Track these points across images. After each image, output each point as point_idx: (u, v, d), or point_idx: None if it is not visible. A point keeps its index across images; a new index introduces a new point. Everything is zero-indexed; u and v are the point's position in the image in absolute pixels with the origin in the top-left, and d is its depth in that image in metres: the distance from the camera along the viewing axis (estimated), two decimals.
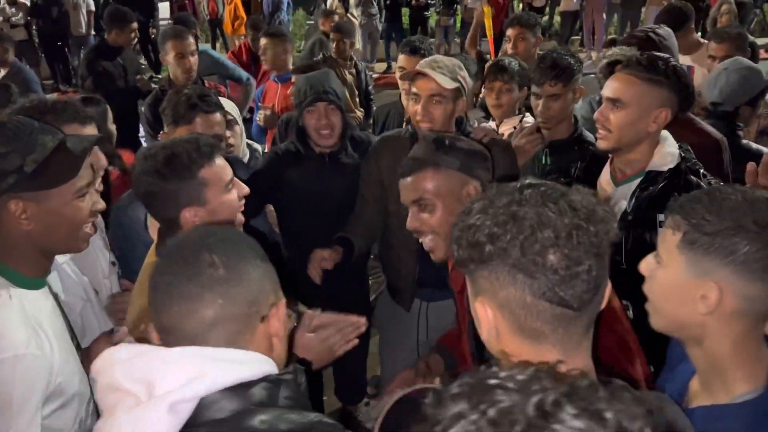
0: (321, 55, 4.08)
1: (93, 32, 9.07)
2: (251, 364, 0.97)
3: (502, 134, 2.80)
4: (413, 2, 10.71)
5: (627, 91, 1.84)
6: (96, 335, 1.69)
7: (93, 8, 9.25)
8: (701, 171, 1.84)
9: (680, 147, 1.89)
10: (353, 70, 4.47)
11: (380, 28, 10.53)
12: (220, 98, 2.46)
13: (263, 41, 4.14)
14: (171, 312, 0.97)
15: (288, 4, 10.42)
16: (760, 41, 4.61)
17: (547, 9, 12.06)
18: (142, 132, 4.36)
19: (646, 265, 1.17)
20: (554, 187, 0.96)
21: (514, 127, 2.80)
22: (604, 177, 2.02)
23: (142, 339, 1.26)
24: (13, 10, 8.80)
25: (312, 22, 11.42)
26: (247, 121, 3.84)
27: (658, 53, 1.98)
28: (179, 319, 0.97)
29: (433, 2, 10.87)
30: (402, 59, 3.33)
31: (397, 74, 3.30)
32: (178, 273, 0.98)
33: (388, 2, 10.58)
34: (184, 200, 1.54)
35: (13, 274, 1.35)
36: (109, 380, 0.96)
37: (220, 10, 10.66)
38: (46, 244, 1.38)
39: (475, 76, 3.30)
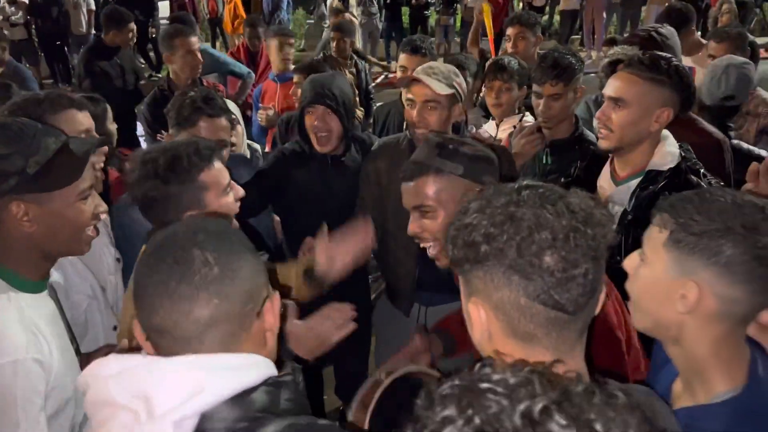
0: (321, 54, 4.08)
1: (93, 31, 9.05)
2: (250, 370, 0.94)
3: (500, 139, 2.81)
4: (413, 1, 10.70)
5: (629, 90, 1.83)
6: (100, 332, 1.69)
7: (93, 7, 9.24)
8: (701, 171, 1.84)
9: (680, 146, 1.89)
10: (353, 69, 4.47)
11: (380, 27, 10.52)
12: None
13: (272, 41, 4.11)
14: (163, 313, 0.93)
15: (288, 3, 10.42)
16: (759, 40, 4.61)
17: (547, 8, 12.06)
18: (140, 131, 4.38)
19: (629, 262, 1.18)
20: (552, 188, 0.95)
21: (514, 127, 2.80)
22: (604, 176, 2.02)
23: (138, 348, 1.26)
24: (13, 9, 8.78)
25: (312, 21, 11.43)
26: (246, 121, 3.84)
27: (660, 53, 1.97)
28: (172, 321, 0.93)
29: (433, 1, 10.86)
30: (403, 58, 3.33)
31: (398, 74, 3.30)
32: (169, 272, 0.94)
33: (388, 1, 10.58)
34: (185, 204, 1.53)
35: (13, 277, 1.35)
36: (101, 395, 0.92)
37: (219, 9, 10.65)
38: (47, 247, 1.38)
39: (476, 75, 3.30)
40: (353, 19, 8.30)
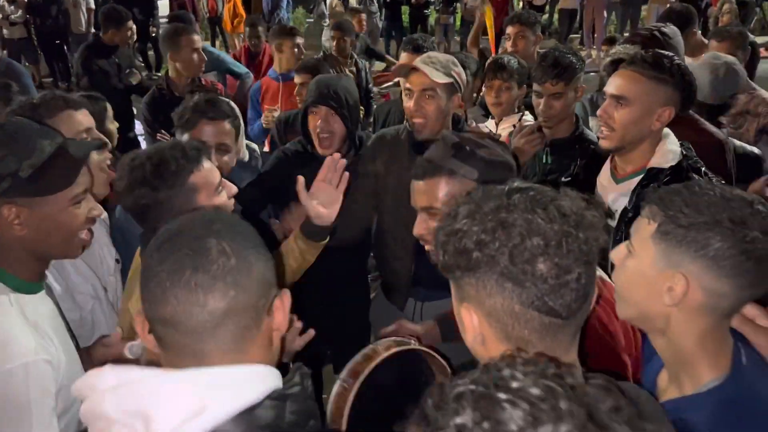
0: (322, 54, 4.07)
1: (93, 30, 9.04)
2: (254, 384, 0.89)
3: (499, 135, 2.80)
4: (413, 0, 10.70)
5: (632, 88, 1.83)
6: (105, 333, 1.68)
7: (93, 6, 9.23)
8: (703, 169, 1.84)
9: (681, 145, 1.89)
10: (353, 68, 4.47)
11: (380, 26, 10.51)
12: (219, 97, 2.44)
13: (286, 40, 4.07)
14: (175, 303, 0.88)
15: (287, 1, 10.40)
16: (759, 40, 4.61)
17: (547, 7, 12.05)
18: (138, 130, 4.37)
19: (616, 253, 1.18)
20: (543, 191, 0.94)
21: (514, 126, 2.80)
22: (604, 174, 2.02)
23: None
24: (12, 7, 8.77)
25: (311, 19, 11.42)
26: (243, 120, 3.84)
27: (662, 51, 1.97)
28: (184, 312, 0.88)
29: (433, 0, 10.86)
30: (404, 57, 3.33)
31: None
32: (184, 261, 0.89)
33: (388, 0, 10.57)
34: (177, 208, 1.49)
35: (11, 279, 1.34)
36: (97, 408, 0.88)
37: (219, 8, 10.64)
38: (39, 250, 1.37)
39: (476, 74, 3.30)
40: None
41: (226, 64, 4.67)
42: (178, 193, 1.50)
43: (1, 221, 1.29)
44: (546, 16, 11.94)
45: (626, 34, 9.47)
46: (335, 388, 1.30)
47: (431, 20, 11.21)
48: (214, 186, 1.57)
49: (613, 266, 1.21)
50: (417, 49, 3.26)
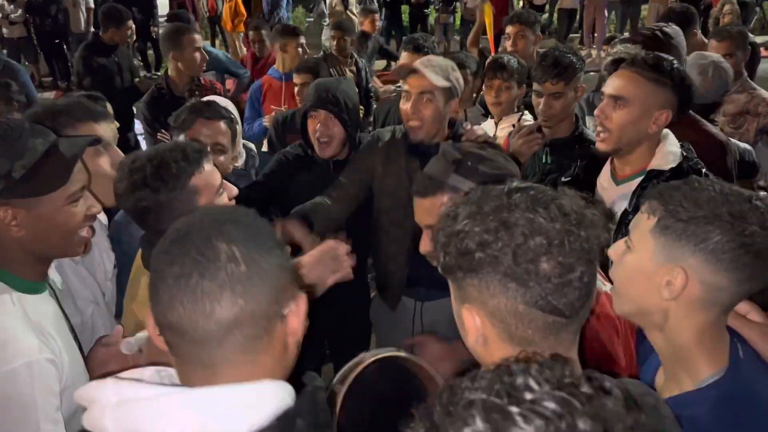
0: (322, 53, 4.07)
1: (92, 29, 9.04)
2: (262, 405, 0.84)
3: (495, 137, 2.80)
4: (413, 0, 10.69)
5: (630, 88, 1.82)
6: None
7: (92, 5, 9.22)
8: (703, 171, 1.83)
9: (682, 146, 1.88)
10: (353, 68, 4.47)
11: (380, 25, 10.51)
12: (217, 97, 2.44)
13: (284, 40, 4.07)
14: (182, 310, 0.84)
15: (288, 1, 10.39)
16: (759, 39, 4.61)
17: (547, 6, 12.05)
18: (138, 130, 4.37)
19: (615, 249, 1.19)
20: (543, 190, 0.94)
21: (513, 125, 2.79)
22: (604, 175, 2.01)
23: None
24: (12, 7, 8.77)
25: (311, 19, 11.41)
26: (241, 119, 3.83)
27: (662, 54, 1.96)
28: (191, 320, 0.84)
29: (432, 0, 10.85)
30: (405, 57, 3.32)
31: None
32: (191, 265, 0.84)
33: (388, 0, 10.56)
34: (178, 211, 1.48)
35: (13, 279, 1.33)
36: (97, 424, 0.85)
37: (219, 7, 10.63)
38: (38, 250, 1.36)
39: (476, 74, 3.30)
40: (353, 17, 8.30)
41: (225, 64, 4.69)
42: (179, 195, 1.49)
43: None
44: (546, 15, 11.94)
45: (626, 34, 9.47)
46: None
47: (431, 20, 11.21)
48: (215, 188, 1.56)
49: (611, 263, 1.21)
50: (417, 49, 3.25)
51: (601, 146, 1.90)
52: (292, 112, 3.46)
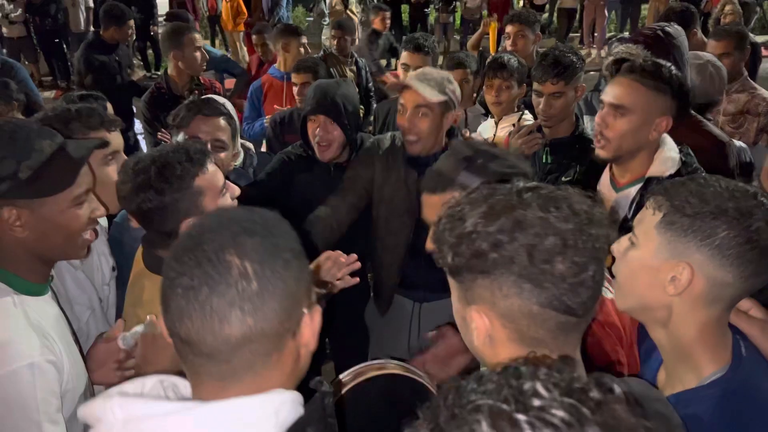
0: (322, 53, 4.06)
1: (92, 29, 9.03)
2: (275, 418, 0.84)
3: (495, 136, 2.80)
4: (413, 0, 10.69)
5: (631, 97, 1.80)
6: None
7: (92, 5, 9.22)
8: (703, 175, 1.82)
9: (681, 151, 1.87)
10: (354, 67, 4.47)
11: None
12: (216, 96, 2.43)
13: (286, 40, 4.07)
14: (190, 324, 0.82)
15: (287, 0, 10.39)
16: (760, 39, 4.61)
17: (547, 6, 12.05)
18: (138, 129, 4.37)
19: (618, 245, 1.18)
20: (553, 189, 0.93)
21: (513, 125, 2.79)
22: (604, 182, 2.00)
23: None
24: (12, 6, 8.76)
25: (311, 18, 11.41)
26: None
27: (660, 60, 1.95)
28: (199, 335, 0.82)
29: None
30: (405, 56, 3.31)
31: (400, 71, 3.29)
32: (201, 278, 0.82)
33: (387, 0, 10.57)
34: (182, 212, 1.49)
35: (15, 280, 1.33)
36: None
37: (219, 7, 10.62)
38: (42, 252, 1.35)
39: (476, 73, 3.30)
40: (353, 16, 8.30)
41: (224, 63, 4.68)
42: (184, 197, 1.49)
43: (1, 223, 1.28)
44: (546, 15, 11.93)
45: (626, 33, 9.47)
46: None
47: (431, 19, 11.21)
48: (218, 189, 1.56)
49: (614, 259, 1.21)
50: (418, 48, 3.24)
51: (600, 154, 1.89)
52: (289, 111, 3.46)
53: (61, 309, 1.46)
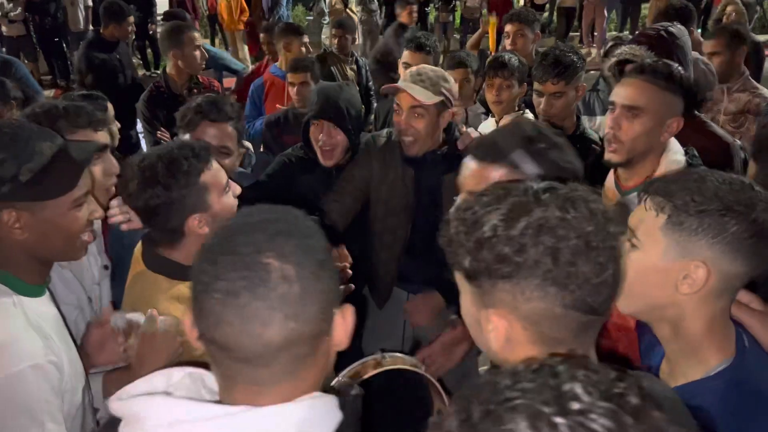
0: (323, 51, 4.06)
1: (91, 27, 9.02)
2: (324, 422, 0.83)
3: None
4: None
5: (644, 98, 1.78)
6: None
7: (91, 4, 9.20)
8: None
9: (686, 153, 1.86)
10: (354, 66, 4.46)
11: (380, 24, 10.50)
12: (223, 96, 2.42)
13: (287, 39, 4.05)
14: (229, 330, 0.80)
15: None
16: (761, 38, 4.60)
17: (548, 5, 12.04)
18: (140, 128, 4.35)
19: None
20: (570, 189, 0.92)
21: None
22: (609, 184, 1.98)
23: None
24: (11, 5, 8.75)
25: (311, 17, 11.40)
26: None
27: (670, 61, 1.93)
28: (238, 341, 0.80)
29: None
30: (407, 55, 3.30)
31: (401, 70, 3.27)
32: (240, 282, 0.79)
33: None
34: (189, 208, 1.50)
35: (14, 281, 1.33)
36: None
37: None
38: (41, 253, 1.36)
39: (476, 73, 3.29)
40: (353, 15, 8.29)
41: (223, 62, 4.68)
42: (190, 192, 1.50)
43: (1, 225, 1.28)
44: (546, 14, 11.93)
45: (626, 32, 9.46)
46: None
47: (431, 18, 11.19)
48: (223, 185, 1.57)
49: None
50: (419, 48, 3.23)
51: (613, 158, 1.85)
52: (284, 112, 3.45)
53: (59, 309, 1.46)
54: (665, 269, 1.09)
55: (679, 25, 2.69)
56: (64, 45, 9.15)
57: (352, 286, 1.69)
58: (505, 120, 2.88)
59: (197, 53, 3.55)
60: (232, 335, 0.80)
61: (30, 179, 1.26)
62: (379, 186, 2.33)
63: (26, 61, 8.79)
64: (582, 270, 0.85)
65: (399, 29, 5.60)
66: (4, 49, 8.37)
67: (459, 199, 1.43)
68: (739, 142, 2.70)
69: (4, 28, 8.79)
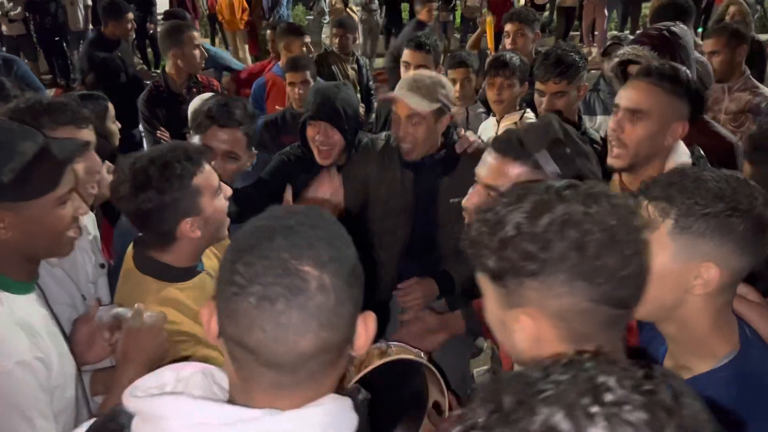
0: (324, 50, 4.05)
1: (91, 26, 9.02)
2: (345, 425, 0.83)
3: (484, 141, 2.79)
4: None
5: (649, 101, 1.75)
6: None
7: (90, 3, 9.20)
8: None
9: (692, 154, 1.84)
10: (354, 65, 4.45)
11: (380, 23, 10.49)
12: (239, 98, 2.40)
13: (289, 39, 4.05)
14: (261, 336, 0.78)
15: None
16: (762, 37, 4.59)
17: (548, 5, 12.03)
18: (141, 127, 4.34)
19: None
20: (590, 186, 0.92)
21: (515, 123, 2.78)
22: (613, 187, 1.96)
23: None
24: (11, 4, 8.74)
25: (311, 17, 11.39)
26: None
27: (676, 63, 1.91)
28: (268, 347, 0.79)
29: None
30: (407, 54, 3.29)
31: (402, 69, 3.27)
32: (276, 289, 0.77)
33: None
34: (182, 211, 1.50)
35: (1, 278, 1.32)
36: None
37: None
38: (27, 251, 1.35)
39: (477, 72, 3.28)
40: (353, 14, 8.28)
41: (223, 61, 4.68)
42: (183, 196, 1.49)
43: None
44: (546, 14, 11.92)
45: (626, 32, 9.45)
46: None
47: None
48: (215, 188, 1.57)
49: None
50: (420, 47, 3.23)
51: (616, 163, 1.81)
52: (282, 112, 3.45)
53: (49, 306, 1.46)
54: (676, 272, 1.09)
55: (681, 25, 2.67)
56: (64, 44, 9.15)
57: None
58: (507, 119, 2.88)
59: (197, 52, 3.55)
60: (264, 341, 0.78)
61: (12, 179, 1.25)
62: (378, 186, 2.33)
63: (26, 61, 8.77)
64: (608, 263, 0.85)
65: (417, 26, 5.61)
66: (4, 49, 8.36)
67: (472, 191, 1.42)
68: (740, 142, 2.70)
69: (4, 28, 8.79)
